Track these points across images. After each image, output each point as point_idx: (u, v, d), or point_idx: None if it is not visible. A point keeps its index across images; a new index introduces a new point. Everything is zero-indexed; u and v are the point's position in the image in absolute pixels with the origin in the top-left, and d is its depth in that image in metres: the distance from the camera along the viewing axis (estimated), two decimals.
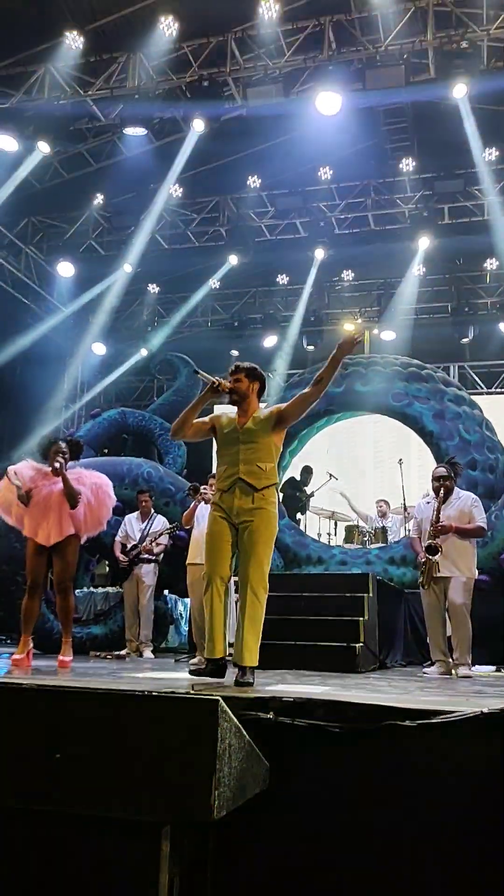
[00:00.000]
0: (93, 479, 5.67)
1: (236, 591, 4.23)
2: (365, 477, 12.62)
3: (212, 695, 2.31)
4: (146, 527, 8.19)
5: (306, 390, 4.19)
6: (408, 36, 8.61)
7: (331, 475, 10.37)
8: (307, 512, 10.52)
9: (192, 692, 2.75)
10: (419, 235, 11.75)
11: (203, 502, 6.71)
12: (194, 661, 6.62)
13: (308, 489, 10.66)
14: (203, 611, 4.30)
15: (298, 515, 10.51)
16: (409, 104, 10.12)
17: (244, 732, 2.38)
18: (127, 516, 8.35)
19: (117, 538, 8.21)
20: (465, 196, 11.42)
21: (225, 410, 4.45)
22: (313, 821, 2.73)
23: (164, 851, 2.27)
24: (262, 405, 4.36)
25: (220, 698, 2.22)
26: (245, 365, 4.36)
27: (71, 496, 5.40)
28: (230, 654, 4.11)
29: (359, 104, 9.25)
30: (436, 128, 10.40)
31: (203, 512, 6.55)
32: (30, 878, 2.43)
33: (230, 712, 2.27)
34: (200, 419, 4.35)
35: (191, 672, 3.89)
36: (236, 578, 4.21)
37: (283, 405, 4.26)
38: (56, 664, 5.36)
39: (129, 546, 8.14)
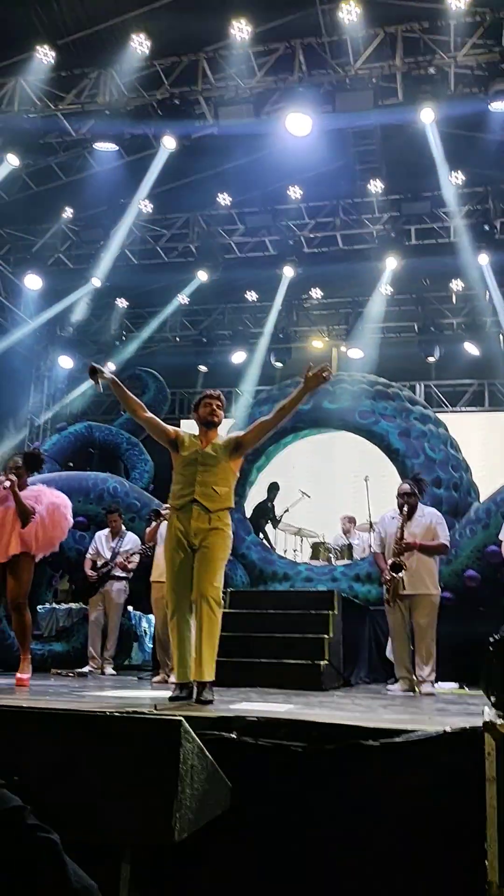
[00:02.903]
0: (51, 499, 5.57)
1: None
2: (332, 492, 12.63)
3: (174, 715, 2.29)
4: (117, 545, 8.11)
5: (266, 418, 4.43)
6: (377, 60, 8.75)
7: (303, 493, 10.38)
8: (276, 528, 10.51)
9: (154, 712, 2.72)
10: (386, 255, 11.89)
11: (165, 521, 6.68)
12: (157, 678, 6.56)
13: (276, 504, 10.65)
14: (167, 628, 4.39)
15: (268, 527, 10.47)
16: (378, 127, 10.26)
17: (207, 753, 2.36)
18: (97, 534, 8.25)
19: (88, 555, 8.11)
20: (431, 218, 11.58)
21: (189, 429, 4.55)
22: (276, 841, 2.71)
23: (125, 874, 2.24)
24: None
25: (182, 719, 2.20)
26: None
27: (23, 514, 5.32)
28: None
29: (328, 126, 9.36)
30: (404, 150, 10.57)
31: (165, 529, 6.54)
32: None
33: (193, 732, 2.25)
34: (166, 426, 4.49)
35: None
36: None
37: (242, 433, 4.48)
38: (14, 682, 5.28)
39: (99, 563, 8.05)
